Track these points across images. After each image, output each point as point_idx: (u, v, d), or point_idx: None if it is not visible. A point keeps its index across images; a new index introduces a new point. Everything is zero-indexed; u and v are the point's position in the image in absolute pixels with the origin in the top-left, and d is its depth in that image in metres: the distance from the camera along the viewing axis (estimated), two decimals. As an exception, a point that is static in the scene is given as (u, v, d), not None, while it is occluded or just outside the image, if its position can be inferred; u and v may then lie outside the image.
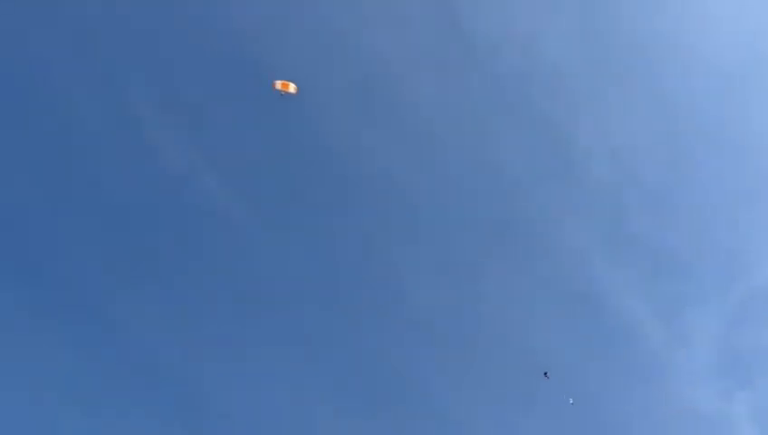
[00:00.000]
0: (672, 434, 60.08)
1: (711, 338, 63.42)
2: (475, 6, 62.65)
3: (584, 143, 65.11)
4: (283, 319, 57.46)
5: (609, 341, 62.97)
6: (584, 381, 59.08)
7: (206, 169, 56.26)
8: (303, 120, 56.70)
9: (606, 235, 65.11)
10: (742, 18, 65.95)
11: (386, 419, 56.65)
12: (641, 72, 66.30)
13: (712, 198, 66.76)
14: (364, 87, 61.00)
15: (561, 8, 64.15)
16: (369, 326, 59.43)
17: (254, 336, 56.62)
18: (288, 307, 57.65)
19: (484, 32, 62.58)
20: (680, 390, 61.81)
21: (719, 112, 66.41)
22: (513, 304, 62.43)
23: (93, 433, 50.07)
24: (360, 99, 61.07)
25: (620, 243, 65.02)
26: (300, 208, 59.93)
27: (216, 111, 57.05)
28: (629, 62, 65.97)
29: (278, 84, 42.06)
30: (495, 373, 60.16)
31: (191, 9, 56.13)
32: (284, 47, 57.35)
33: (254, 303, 57.45)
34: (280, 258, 57.97)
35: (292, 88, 42.36)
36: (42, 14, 51.93)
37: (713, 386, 62.05)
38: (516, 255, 64.54)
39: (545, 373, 50.06)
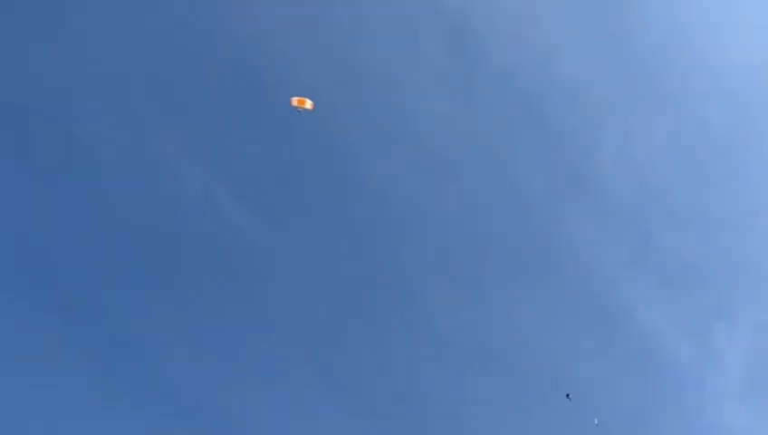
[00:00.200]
0: (703, 453, 58.63)
1: (741, 355, 61.87)
2: (492, 22, 63.40)
3: (607, 158, 64.88)
4: (286, 320, 57.71)
5: (638, 358, 61.56)
6: (611, 401, 58.16)
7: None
8: (320, 134, 58.18)
9: (632, 251, 64.29)
10: None
11: (393, 426, 56.40)
12: (663, 86, 66.08)
13: (739, 211, 65.61)
14: (381, 106, 62.12)
15: (580, 22, 64.59)
16: (381, 337, 59.57)
17: (256, 337, 56.76)
18: (294, 311, 57.91)
19: (502, 47, 63.28)
20: (710, 407, 60.21)
21: (744, 125, 65.66)
22: (541, 323, 61.44)
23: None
24: (376, 118, 62.13)
25: (647, 259, 64.19)
26: (305, 210, 60.51)
27: (220, 118, 58.35)
28: (650, 75, 65.66)
29: (294, 101, 43.18)
30: (522, 392, 59.48)
31: (198, 19, 57.72)
32: (300, 62, 58.72)
33: (255, 303, 57.70)
34: (285, 262, 58.51)
35: (308, 104, 43.43)
36: (57, 36, 53.98)
37: (743, 404, 60.40)
38: (541, 272, 63.93)
39: (567, 395, 49.14)
